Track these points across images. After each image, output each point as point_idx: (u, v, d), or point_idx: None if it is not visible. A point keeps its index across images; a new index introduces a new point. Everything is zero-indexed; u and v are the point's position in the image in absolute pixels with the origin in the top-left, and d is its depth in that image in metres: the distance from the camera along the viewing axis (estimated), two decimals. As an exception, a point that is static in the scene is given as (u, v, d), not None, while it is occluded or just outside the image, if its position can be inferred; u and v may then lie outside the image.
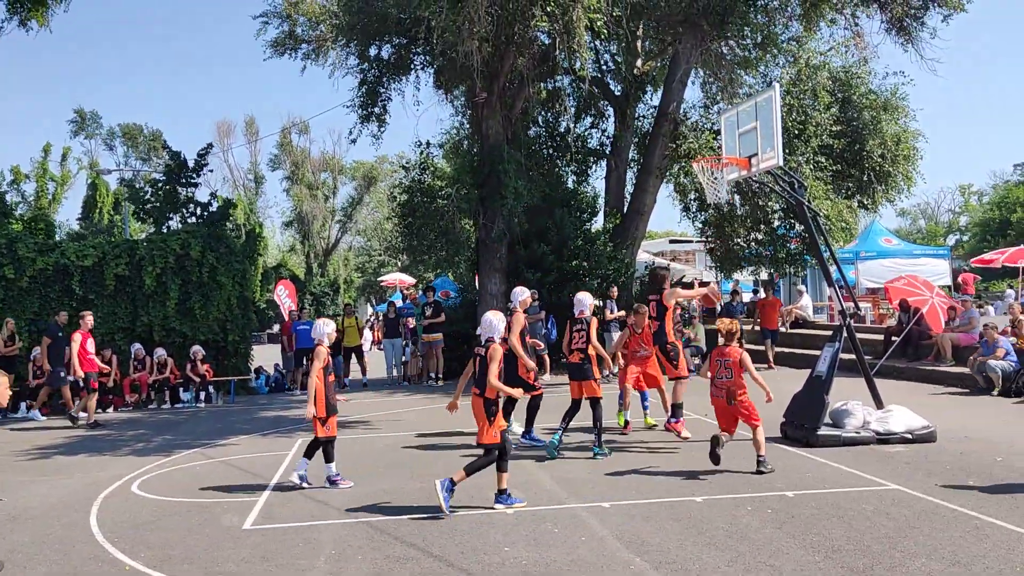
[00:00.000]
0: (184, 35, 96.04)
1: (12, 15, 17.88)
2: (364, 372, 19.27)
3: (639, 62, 20.50)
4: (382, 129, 19.71)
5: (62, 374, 14.70)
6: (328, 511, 7.23)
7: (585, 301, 9.68)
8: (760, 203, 19.54)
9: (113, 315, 17.32)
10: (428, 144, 19.54)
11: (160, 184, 19.51)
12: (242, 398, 17.68)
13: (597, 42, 20.38)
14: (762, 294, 19.90)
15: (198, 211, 19.19)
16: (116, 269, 17.28)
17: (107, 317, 17.14)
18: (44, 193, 42.92)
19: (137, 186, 21.39)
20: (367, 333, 26.97)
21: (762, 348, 18.51)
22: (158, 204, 19.13)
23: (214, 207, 19.45)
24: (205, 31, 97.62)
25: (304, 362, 18.21)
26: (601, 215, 21.08)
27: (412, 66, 19.14)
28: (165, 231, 18.79)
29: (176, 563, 5.88)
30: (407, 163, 19.91)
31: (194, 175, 19.44)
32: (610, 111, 21.80)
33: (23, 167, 45.60)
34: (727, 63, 17.63)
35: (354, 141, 20.74)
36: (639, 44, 20.52)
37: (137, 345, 16.88)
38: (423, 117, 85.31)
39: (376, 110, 19.10)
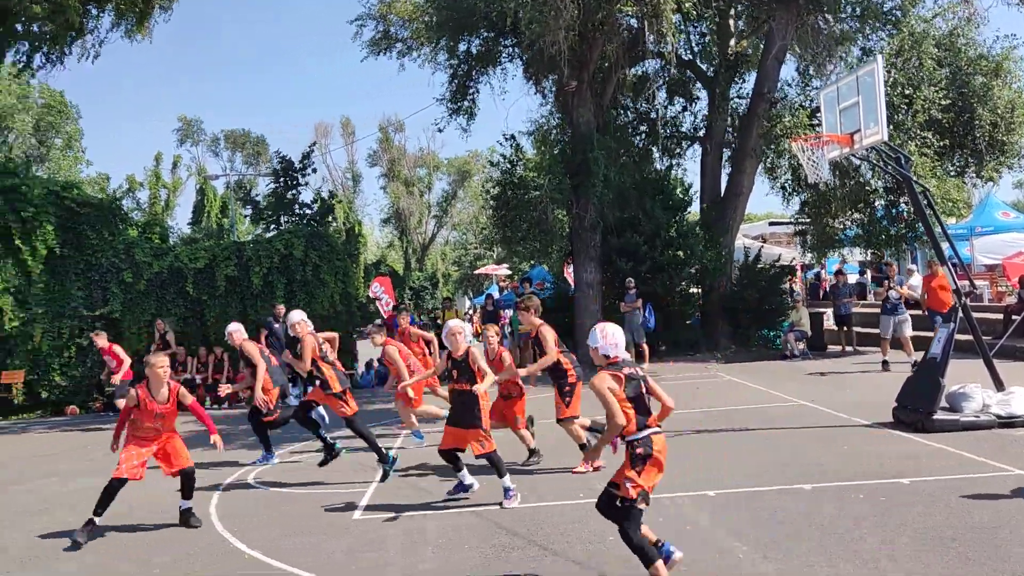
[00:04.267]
0: (282, 40, 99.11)
1: (116, 27, 18.89)
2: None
3: (732, 42, 20.02)
4: (471, 122, 19.95)
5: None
6: (436, 500, 7.38)
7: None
8: (862, 181, 18.81)
9: (224, 314, 18.06)
10: (514, 137, 19.60)
11: (271, 188, 20.32)
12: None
13: (686, 24, 20.01)
14: (922, 272, 18.77)
15: (303, 211, 19.87)
16: (226, 270, 18.01)
17: (219, 317, 17.89)
18: (157, 200, 45.07)
19: (248, 190, 22.25)
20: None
21: (931, 334, 17.71)
22: (270, 209, 19.91)
23: (315, 207, 20.13)
24: (301, 36, 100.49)
25: (406, 357, 18.58)
26: (696, 200, 20.73)
27: (500, 58, 19.26)
28: (272, 232, 19.51)
29: (290, 552, 6.12)
30: (499, 156, 20.05)
31: (300, 176, 20.14)
32: (703, 93, 21.39)
33: (137, 176, 48.10)
34: (824, 38, 17.01)
35: (440, 130, 20.90)
36: (731, 23, 20.03)
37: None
38: (512, 108, 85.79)
39: (465, 103, 19.31)
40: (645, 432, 4.81)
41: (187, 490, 7.15)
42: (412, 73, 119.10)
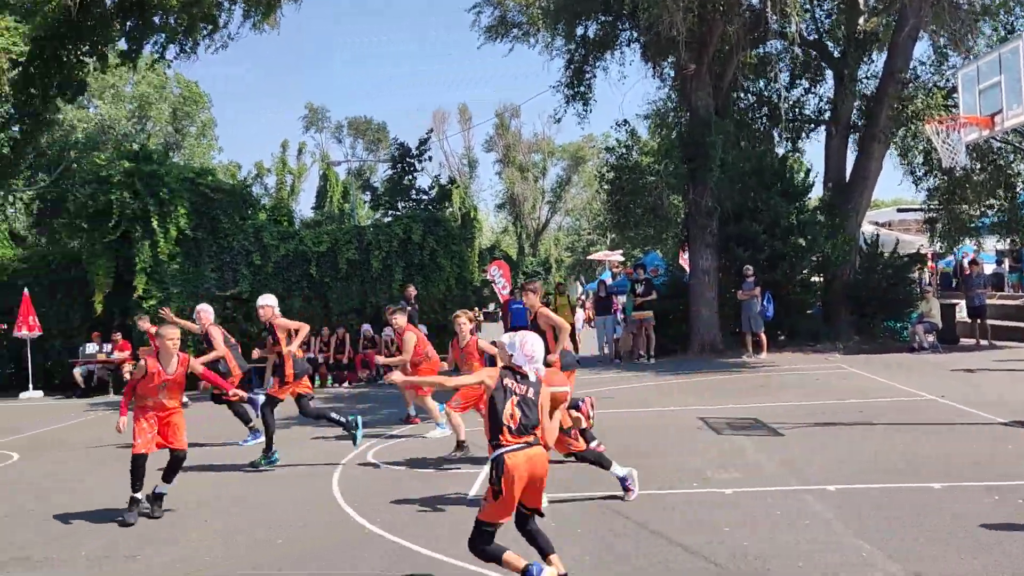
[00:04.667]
0: (404, 29, 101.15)
1: (246, 19, 19.69)
2: (576, 350, 19.48)
3: (861, 20, 19.12)
4: (587, 108, 19.87)
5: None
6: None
7: None
8: (1002, 165, 17.69)
9: (346, 297, 18.69)
10: (627, 122, 19.40)
11: (389, 174, 20.87)
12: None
13: (812, 2, 19.26)
14: None
15: (420, 197, 20.32)
16: (347, 254, 18.61)
17: (340, 299, 18.53)
18: (283, 185, 46.93)
19: (367, 176, 22.99)
20: (579, 312, 27.30)
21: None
22: (388, 194, 20.45)
23: (432, 193, 20.56)
24: (420, 26, 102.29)
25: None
26: (819, 185, 20.00)
27: (617, 43, 19.08)
28: (390, 217, 20.04)
29: (409, 528, 6.32)
30: (615, 141, 19.93)
31: (416, 162, 20.60)
32: (828, 74, 20.55)
33: (264, 162, 50.22)
34: (963, 13, 16.04)
35: (558, 120, 21.05)
36: (861, 1, 19.14)
37: (367, 325, 18.11)
38: (629, 93, 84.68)
39: (582, 89, 19.24)
40: (499, 450, 4.69)
41: (170, 473, 7.18)
42: (528, 59, 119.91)
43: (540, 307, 8.40)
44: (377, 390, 16.41)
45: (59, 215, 28.04)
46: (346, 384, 17.30)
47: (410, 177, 21.18)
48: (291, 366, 9.03)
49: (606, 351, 19.29)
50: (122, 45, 19.62)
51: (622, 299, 19.45)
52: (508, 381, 4.78)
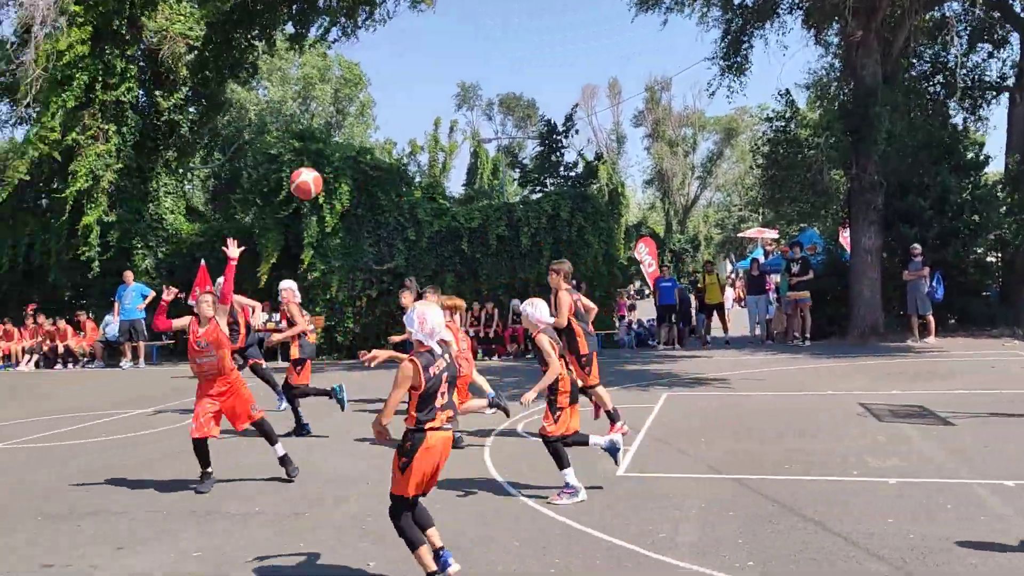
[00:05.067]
0: (555, 6, 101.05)
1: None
2: (726, 330, 19.07)
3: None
4: (742, 79, 19.19)
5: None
6: (697, 465, 7.35)
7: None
8: None
9: (496, 272, 19.00)
10: (788, 92, 18.54)
11: (537, 150, 21.00)
12: (608, 351, 18.48)
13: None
14: None
15: (567, 173, 20.32)
16: (497, 230, 18.88)
17: (491, 274, 18.86)
18: (435, 163, 48.20)
19: (516, 153, 23.24)
20: (728, 290, 26.62)
21: None
22: (536, 171, 20.59)
23: (579, 169, 20.51)
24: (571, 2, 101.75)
25: (667, 318, 18.52)
26: (1002, 157, 18.48)
27: (777, 10, 18.26)
28: (538, 194, 20.16)
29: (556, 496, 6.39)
30: (772, 112, 19.15)
31: (563, 138, 20.59)
32: (1013, 37, 18.89)
33: (418, 140, 51.69)
34: None
35: (712, 94, 20.44)
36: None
37: (515, 300, 18.35)
38: (788, 63, 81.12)
39: (738, 60, 18.58)
40: (424, 427, 4.60)
41: (267, 439, 7.43)
42: (681, 29, 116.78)
43: (562, 288, 8.18)
44: (525, 364, 16.63)
45: (233, 191, 29.99)
46: (495, 357, 17.64)
47: (557, 154, 21.21)
48: (298, 350, 9.60)
49: (757, 332, 18.72)
50: (289, 28, 20.62)
51: (776, 278, 18.79)
52: (432, 368, 4.64)
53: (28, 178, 18.65)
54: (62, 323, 19.12)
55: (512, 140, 55.74)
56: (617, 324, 20.08)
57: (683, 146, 59.24)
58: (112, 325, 18.99)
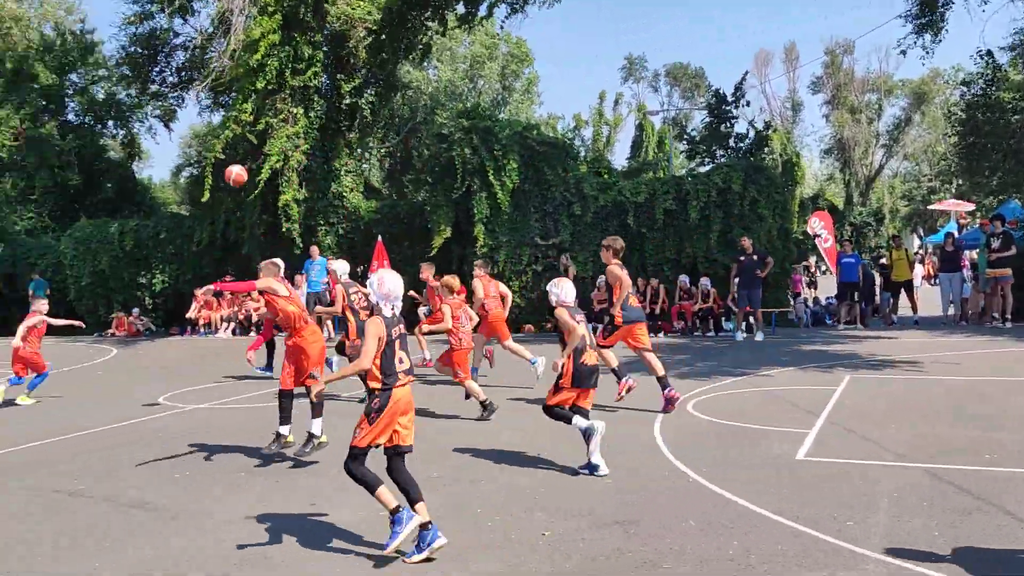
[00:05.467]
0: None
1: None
2: (914, 309, 17.85)
3: None
4: (937, 40, 17.75)
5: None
6: (882, 452, 6.94)
7: None
8: None
9: (662, 247, 18.68)
10: (991, 53, 16.98)
11: (706, 122, 20.42)
12: (782, 330, 17.79)
13: None
14: None
15: (738, 144, 19.63)
16: (664, 204, 18.54)
17: (656, 249, 18.57)
18: (600, 136, 47.86)
19: (683, 125, 22.71)
20: (917, 267, 24.90)
21: None
22: (704, 143, 20.04)
23: (751, 139, 19.75)
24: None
25: (848, 296, 17.58)
26: None
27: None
28: (709, 166, 19.61)
29: (733, 482, 6.23)
30: (969, 76, 17.64)
31: (733, 108, 19.89)
32: None
33: (582, 115, 51.48)
34: None
35: (903, 52, 18.86)
36: None
37: (683, 276, 18.00)
38: (990, 20, 74.10)
39: (933, 18, 17.20)
40: (390, 386, 5.03)
41: (315, 410, 7.40)
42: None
43: (612, 262, 9.10)
44: (691, 341, 16.30)
45: (407, 170, 31.13)
46: (661, 334, 17.38)
47: (727, 124, 20.55)
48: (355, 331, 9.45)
49: (951, 312, 17.40)
50: (460, 8, 20.99)
51: (973, 254, 17.37)
52: (393, 330, 5.09)
53: (223, 157, 20.09)
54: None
55: (679, 112, 54.42)
56: (792, 302, 19.26)
57: (866, 113, 55.67)
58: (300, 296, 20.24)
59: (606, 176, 20.04)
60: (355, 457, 5.08)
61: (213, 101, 25.80)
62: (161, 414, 10.28)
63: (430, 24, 21.26)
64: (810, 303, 19.88)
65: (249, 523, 5.74)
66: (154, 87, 25.47)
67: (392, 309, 5.16)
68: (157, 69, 24.88)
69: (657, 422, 8.50)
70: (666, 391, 8.90)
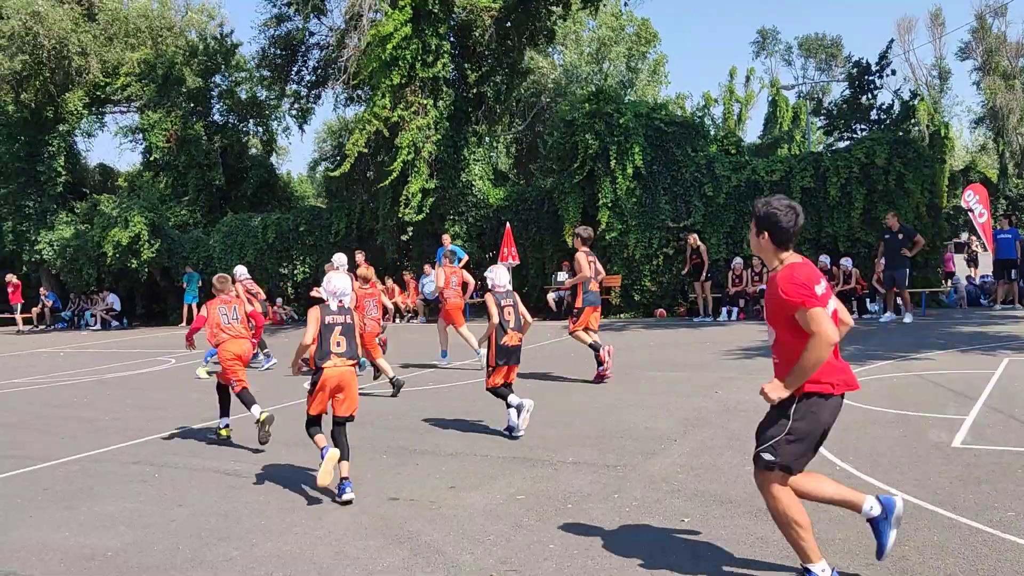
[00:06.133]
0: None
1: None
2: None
3: None
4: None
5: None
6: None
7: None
8: None
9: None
10: None
11: (844, 94, 19.51)
12: (933, 311, 16.82)
13: None
14: None
15: (881, 117, 18.63)
16: (802, 182, 17.85)
17: (795, 229, 17.89)
18: (730, 114, 46.42)
19: (819, 98, 21.77)
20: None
21: None
22: (842, 116, 19.15)
23: (896, 111, 18.68)
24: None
25: (1005, 274, 16.41)
26: None
27: None
28: (849, 141, 18.72)
29: (884, 471, 5.94)
30: None
31: (877, 78, 18.90)
32: None
33: (712, 92, 50.07)
34: None
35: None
36: None
37: (824, 257, 17.27)
38: None
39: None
40: (321, 367, 6.12)
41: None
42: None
43: (581, 249, 10.52)
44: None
45: (534, 156, 31.26)
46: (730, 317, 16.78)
47: (868, 96, 19.49)
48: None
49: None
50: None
51: None
52: (328, 317, 6.21)
53: (366, 150, 20.75)
54: (390, 282, 21.21)
55: (814, 85, 52.12)
56: (945, 282, 18.17)
57: (1021, 79, 51.60)
58: (429, 284, 20.74)
59: (735, 154, 19.43)
60: (309, 423, 6.34)
61: (347, 97, 26.68)
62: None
63: (554, 9, 21.21)
64: (963, 282, 18.70)
65: (400, 504, 5.92)
66: (292, 86, 26.58)
67: (339, 302, 6.29)
68: (295, 69, 25.95)
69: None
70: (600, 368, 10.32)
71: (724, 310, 17.67)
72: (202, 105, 27.71)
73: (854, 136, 19.95)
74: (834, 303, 4.07)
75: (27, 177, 26.46)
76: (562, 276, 18.71)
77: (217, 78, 28.41)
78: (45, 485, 6.96)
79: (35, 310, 27.12)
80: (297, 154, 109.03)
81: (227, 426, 8.30)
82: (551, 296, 19.73)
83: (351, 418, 6.24)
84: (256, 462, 7.33)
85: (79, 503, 6.35)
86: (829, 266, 17.07)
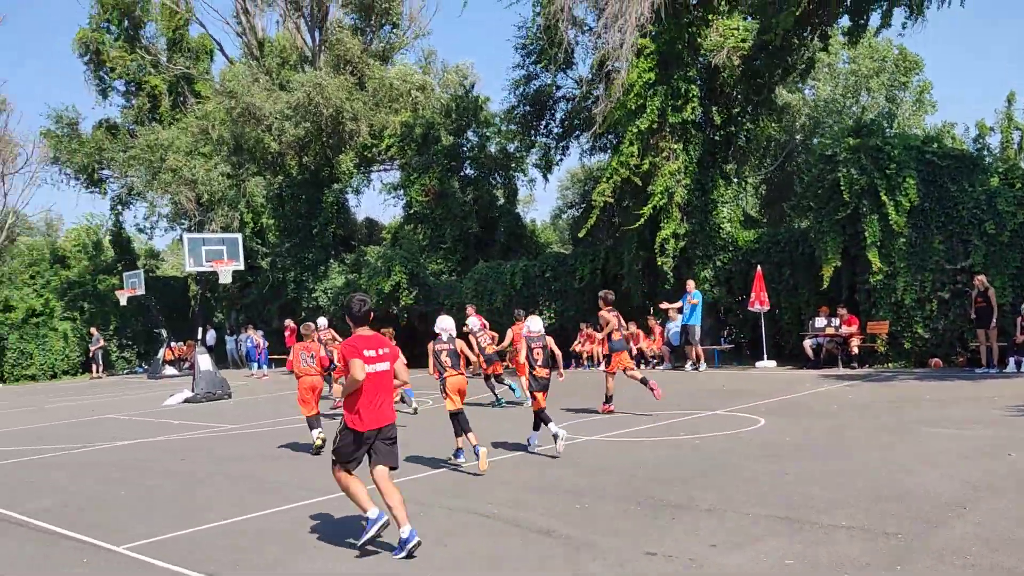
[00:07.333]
0: None
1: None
2: None
3: None
4: None
5: None
6: None
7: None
8: None
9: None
10: None
11: None
12: None
13: None
14: None
15: None
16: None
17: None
18: (1009, 143, 41.67)
19: None
20: None
21: None
22: None
23: None
24: None
25: None
26: None
27: None
28: None
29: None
30: None
31: None
32: None
33: (986, 120, 45.25)
34: None
35: None
36: None
37: None
38: None
39: None
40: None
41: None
42: None
43: (605, 308, 12.92)
44: None
45: (785, 196, 29.94)
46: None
47: None
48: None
49: None
50: (844, 21, 19.65)
51: None
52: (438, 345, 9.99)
53: (612, 200, 20.90)
54: (632, 327, 21.03)
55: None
56: None
57: None
58: (674, 330, 20.33)
59: (1020, 187, 17.26)
60: (453, 415, 9.62)
61: (592, 145, 27.18)
62: (549, 444, 10.48)
63: (810, 43, 20.25)
64: None
65: (657, 560, 5.67)
66: (540, 139, 27.59)
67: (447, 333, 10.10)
68: (543, 123, 26.96)
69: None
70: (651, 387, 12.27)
71: (1011, 360, 15.68)
72: (455, 160, 29.49)
73: None
74: None
75: (305, 232, 29.46)
76: (820, 322, 17.58)
77: (469, 133, 30.18)
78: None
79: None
80: (542, 202, 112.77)
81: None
82: (808, 343, 18.54)
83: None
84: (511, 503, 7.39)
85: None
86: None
